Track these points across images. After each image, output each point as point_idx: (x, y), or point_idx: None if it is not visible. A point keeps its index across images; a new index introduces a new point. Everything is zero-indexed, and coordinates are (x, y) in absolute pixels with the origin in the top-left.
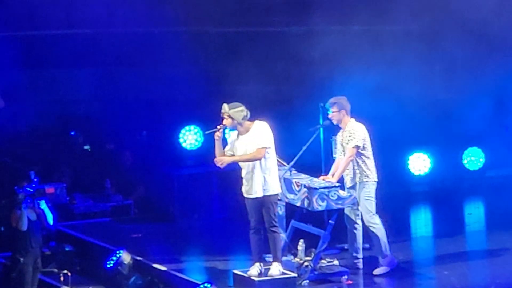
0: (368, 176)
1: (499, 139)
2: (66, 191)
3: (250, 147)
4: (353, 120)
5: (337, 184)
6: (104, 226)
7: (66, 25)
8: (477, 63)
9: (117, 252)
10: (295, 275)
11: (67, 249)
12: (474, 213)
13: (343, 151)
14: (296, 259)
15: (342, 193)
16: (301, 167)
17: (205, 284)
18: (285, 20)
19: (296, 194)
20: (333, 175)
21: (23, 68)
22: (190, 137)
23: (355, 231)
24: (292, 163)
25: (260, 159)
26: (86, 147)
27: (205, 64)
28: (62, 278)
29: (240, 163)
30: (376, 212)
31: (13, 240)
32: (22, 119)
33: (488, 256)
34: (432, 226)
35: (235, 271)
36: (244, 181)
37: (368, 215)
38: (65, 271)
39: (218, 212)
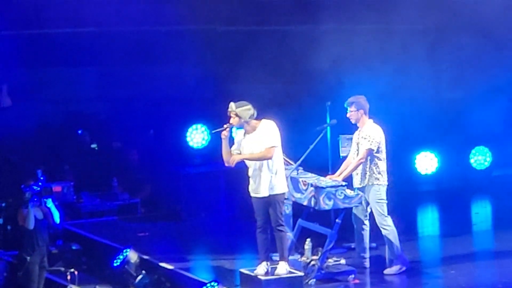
0: (378, 179)
1: (506, 138)
2: (73, 190)
3: (256, 146)
4: (371, 121)
5: (344, 183)
6: (111, 225)
7: (74, 23)
8: (484, 62)
9: (124, 250)
10: (302, 274)
11: (74, 247)
12: (481, 213)
13: (357, 150)
14: (303, 258)
15: (349, 192)
16: (308, 166)
17: (212, 283)
18: (293, 19)
19: (303, 193)
20: (341, 173)
21: (30, 67)
22: (197, 136)
23: (362, 231)
24: (299, 162)
25: (270, 158)
26: (93, 145)
27: (213, 63)
28: (69, 277)
29: (247, 162)
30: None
31: (20, 238)
32: (29, 117)
33: (495, 255)
34: (439, 225)
35: (242, 270)
36: (251, 180)
37: (380, 217)
38: (72, 270)
39: (225, 211)
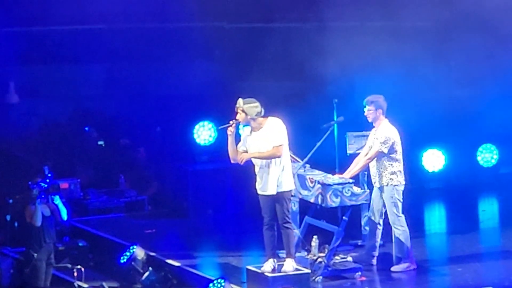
0: (392, 179)
1: None
2: (80, 187)
3: (262, 144)
4: (386, 121)
5: (351, 181)
6: (118, 222)
7: (81, 20)
8: (492, 60)
9: (131, 247)
10: (309, 271)
11: (80, 244)
12: (488, 210)
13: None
14: (310, 255)
15: (356, 189)
16: (315, 164)
17: (219, 280)
18: (301, 17)
19: (310, 190)
20: (349, 171)
21: (37, 64)
22: (204, 133)
23: (376, 230)
24: (306, 159)
25: (279, 157)
26: (100, 142)
27: (220, 60)
28: (75, 274)
29: (253, 160)
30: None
31: (27, 235)
32: (36, 114)
33: (502, 253)
34: (446, 222)
35: (249, 267)
36: (257, 177)
37: (394, 217)
38: (79, 267)
39: (232, 208)
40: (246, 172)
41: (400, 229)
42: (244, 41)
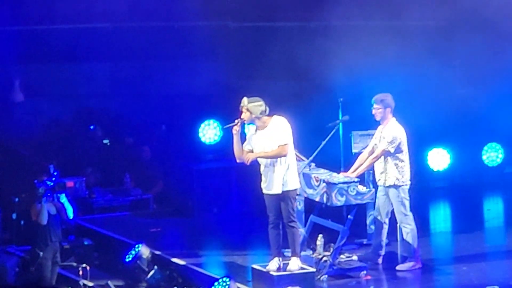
0: (398, 179)
1: None
2: (85, 185)
3: (267, 143)
4: (394, 120)
5: (356, 180)
6: (123, 220)
7: (85, 19)
8: (497, 59)
9: (136, 246)
10: (314, 270)
11: (86, 243)
12: (493, 209)
13: (376, 145)
14: (315, 254)
15: (361, 188)
16: (320, 162)
17: (224, 279)
18: (306, 16)
19: (315, 189)
20: (355, 170)
21: (42, 62)
22: (209, 132)
23: (382, 229)
24: (311, 158)
25: (285, 156)
26: (105, 141)
27: (225, 59)
28: (81, 272)
29: (258, 159)
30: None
31: (33, 234)
32: (41, 113)
33: (507, 252)
34: (451, 221)
35: (254, 266)
36: (262, 176)
37: (402, 216)
38: (84, 265)
39: (237, 207)
40: (251, 171)
41: (409, 228)
42: (249, 40)
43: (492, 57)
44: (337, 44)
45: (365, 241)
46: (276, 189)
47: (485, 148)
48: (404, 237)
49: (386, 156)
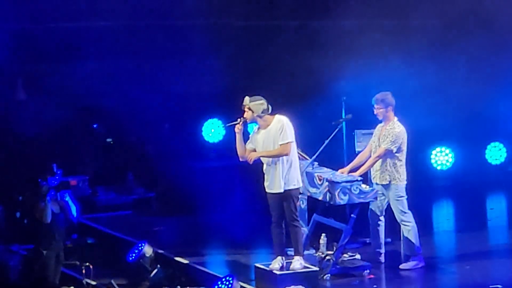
0: (395, 179)
1: None
2: (88, 184)
3: (270, 142)
4: (396, 119)
5: (359, 178)
6: (126, 219)
7: (90, 17)
8: (500, 57)
9: (139, 245)
10: (317, 269)
11: (89, 241)
12: (496, 208)
13: (378, 145)
14: (318, 253)
15: (364, 187)
16: (323, 161)
17: (227, 278)
18: (310, 14)
19: (318, 188)
20: (356, 169)
21: (45, 61)
22: (212, 131)
23: (378, 227)
24: (314, 157)
25: (287, 155)
26: (108, 139)
27: (229, 57)
28: (84, 271)
29: (261, 158)
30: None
31: (37, 232)
32: (44, 111)
33: (510, 251)
34: (454, 220)
35: (257, 265)
36: (265, 175)
37: (401, 214)
38: (87, 264)
39: (240, 206)
40: (254, 170)
41: (409, 225)
42: (253, 38)
43: (495, 56)
44: (340, 43)
45: (368, 240)
46: (278, 188)
47: (489, 146)
48: (406, 234)
49: (386, 155)
